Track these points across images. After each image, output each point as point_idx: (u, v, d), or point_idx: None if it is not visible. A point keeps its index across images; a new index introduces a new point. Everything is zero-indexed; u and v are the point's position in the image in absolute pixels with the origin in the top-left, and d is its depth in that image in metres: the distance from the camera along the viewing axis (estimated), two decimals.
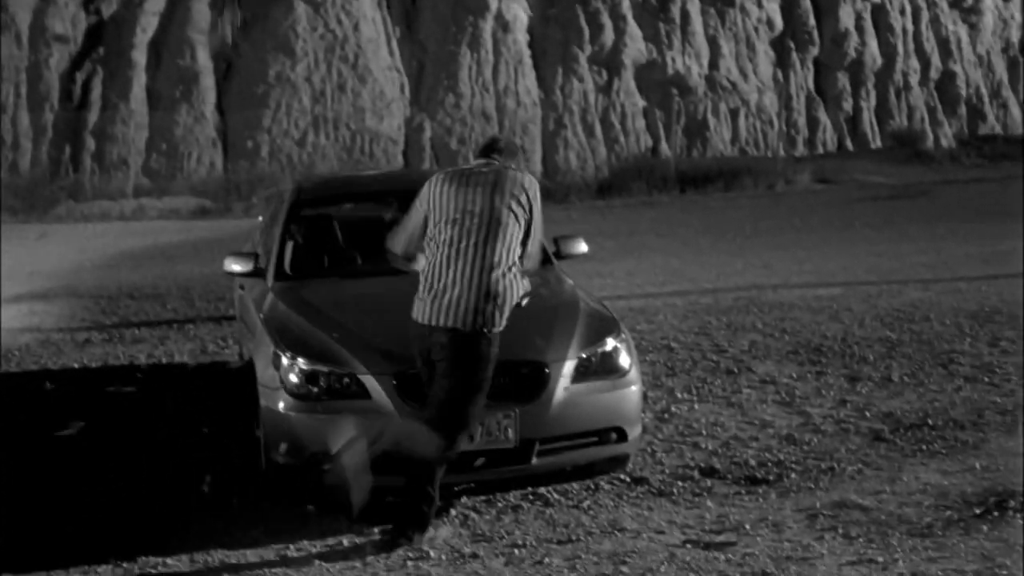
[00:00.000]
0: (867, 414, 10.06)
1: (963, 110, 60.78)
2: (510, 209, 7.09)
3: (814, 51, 57.22)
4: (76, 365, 13.15)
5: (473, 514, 7.74)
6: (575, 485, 8.21)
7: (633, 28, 51.84)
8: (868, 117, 57.81)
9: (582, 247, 10.10)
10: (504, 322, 7.12)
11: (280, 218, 10.25)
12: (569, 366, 7.85)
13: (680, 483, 8.32)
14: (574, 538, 7.21)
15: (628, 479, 8.39)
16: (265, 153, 45.21)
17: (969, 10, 62.31)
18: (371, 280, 9.52)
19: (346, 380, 7.71)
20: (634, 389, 8.16)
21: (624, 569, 6.63)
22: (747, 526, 7.30)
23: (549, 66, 50.43)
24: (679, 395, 10.88)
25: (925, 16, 60.45)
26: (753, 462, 8.78)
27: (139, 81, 45.36)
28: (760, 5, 55.54)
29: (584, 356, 7.98)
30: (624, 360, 8.17)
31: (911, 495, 7.84)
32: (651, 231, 27.86)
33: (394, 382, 7.60)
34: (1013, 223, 25.46)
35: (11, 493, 8.44)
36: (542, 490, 8.11)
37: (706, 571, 6.57)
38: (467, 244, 7.09)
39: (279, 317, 8.67)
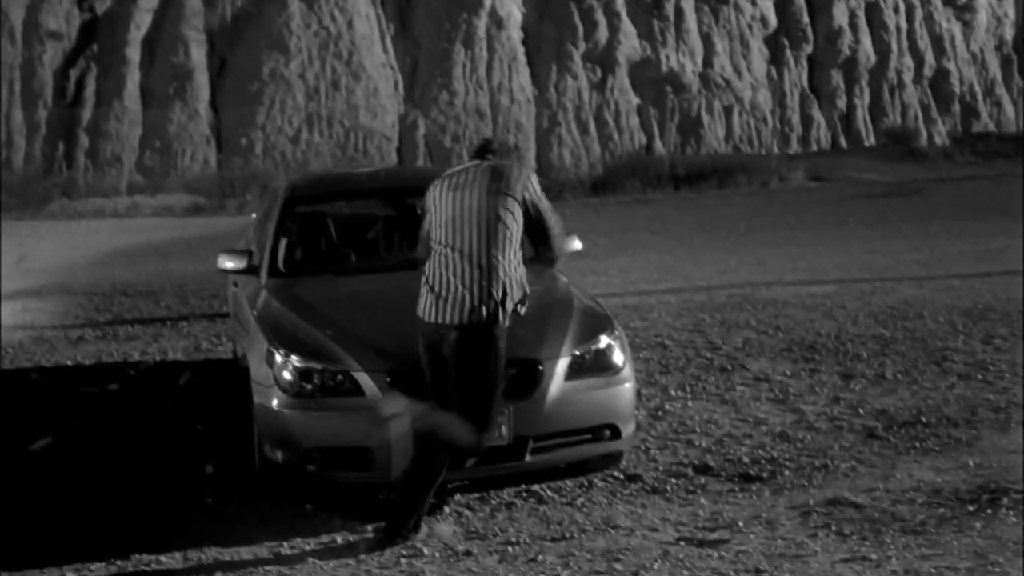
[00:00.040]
0: (861, 411, 10.06)
1: (957, 108, 60.88)
2: (503, 205, 7.10)
3: (808, 49, 57.31)
4: (69, 362, 13.13)
5: (467, 511, 7.74)
6: (569, 482, 8.21)
7: (627, 25, 51.89)
8: (862, 115, 57.90)
9: (576, 245, 10.08)
10: (508, 316, 7.13)
11: (274, 215, 10.24)
12: (563, 363, 7.84)
13: (674, 480, 8.32)
14: (568, 535, 7.20)
15: (622, 476, 8.38)
16: (259, 150, 45.23)
17: (963, 8, 62.41)
18: (365, 277, 9.52)
19: (340, 377, 7.70)
20: (628, 386, 8.16)
21: (617, 566, 6.63)
22: (740, 523, 7.30)
23: (543, 63, 50.46)
24: (673, 392, 10.88)
25: (919, 14, 60.55)
26: (747, 459, 8.78)
27: (133, 78, 45.37)
28: (754, 3, 55.61)
29: (578, 353, 7.97)
30: (618, 357, 8.17)
31: (904, 492, 7.84)
32: (645, 228, 27.87)
33: (388, 379, 7.59)
34: (1006, 220, 25.51)
35: (4, 492, 8.44)
36: (536, 487, 8.10)
37: (699, 568, 6.57)
38: (464, 243, 7.11)
39: (273, 314, 8.66)
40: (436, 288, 7.16)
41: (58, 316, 16.57)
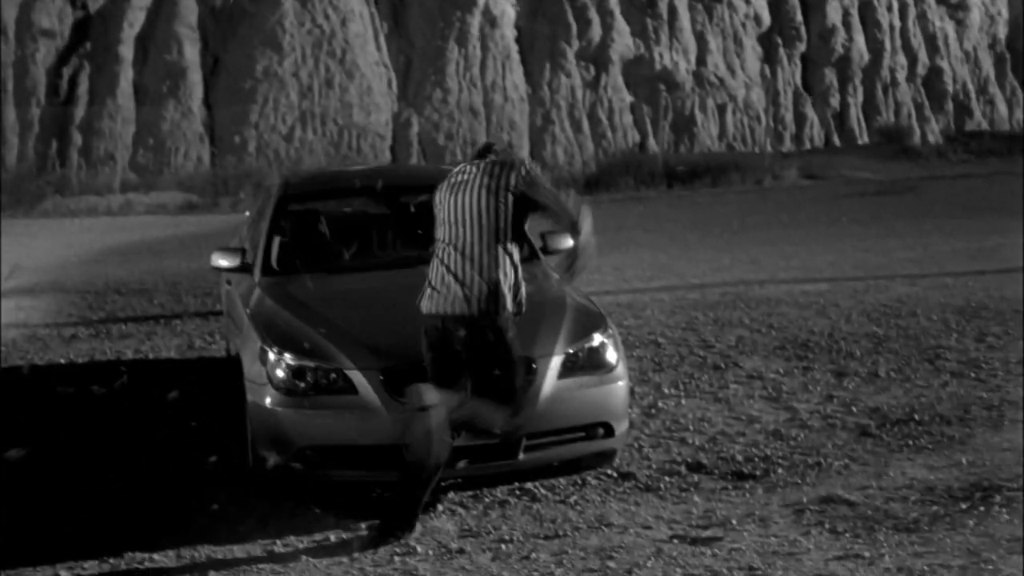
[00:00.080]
0: (854, 409, 10.07)
1: (950, 106, 60.91)
2: (499, 201, 7.13)
3: (801, 47, 57.32)
4: (63, 361, 13.12)
5: (460, 509, 7.74)
6: (562, 480, 8.21)
7: (621, 23, 51.88)
8: (855, 113, 57.92)
9: (569, 243, 10.10)
10: (513, 304, 7.16)
11: (267, 213, 10.24)
12: (556, 361, 7.85)
13: (667, 478, 8.33)
14: (561, 533, 7.21)
15: (615, 474, 8.39)
16: (252, 148, 45.19)
17: (956, 6, 62.44)
18: (358, 275, 9.53)
19: (333, 375, 7.71)
20: (621, 384, 8.16)
21: (611, 564, 6.64)
22: (734, 521, 7.31)
23: (537, 61, 50.45)
24: (666, 390, 10.89)
25: (912, 12, 60.58)
26: (740, 457, 8.79)
27: (126, 76, 45.31)
28: (747, 1, 55.64)
29: (571, 352, 7.98)
30: (611, 355, 8.17)
31: (897, 490, 7.85)
32: (638, 227, 27.87)
33: (381, 377, 7.60)
34: (1000, 219, 25.53)
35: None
36: (529, 485, 8.10)
37: (693, 566, 6.58)
38: (462, 240, 7.15)
39: (266, 312, 8.66)
40: (435, 283, 7.23)
41: (51, 314, 16.56)
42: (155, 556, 6.97)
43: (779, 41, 56.43)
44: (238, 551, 7.05)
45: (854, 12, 58.54)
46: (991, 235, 22.52)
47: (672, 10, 53.29)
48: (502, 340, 7.16)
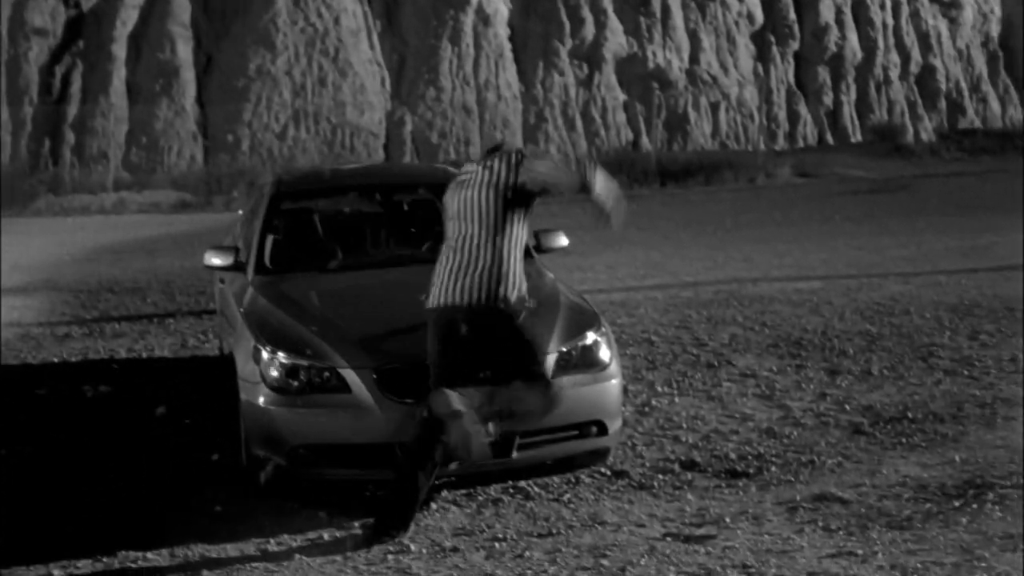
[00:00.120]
0: (847, 407, 10.08)
1: (943, 104, 60.95)
2: (497, 191, 7.16)
3: (794, 45, 57.34)
4: (56, 359, 13.11)
5: (454, 508, 7.74)
6: (556, 478, 8.21)
7: (614, 22, 51.89)
8: (848, 111, 57.95)
9: (562, 241, 10.11)
10: (517, 293, 7.17)
11: (260, 212, 10.23)
12: (549, 360, 7.84)
13: (660, 476, 8.33)
14: (555, 531, 7.21)
15: (608, 472, 8.39)
16: (245, 147, 45.16)
17: (949, 4, 62.47)
18: (351, 274, 9.53)
19: (326, 374, 7.70)
20: (614, 383, 8.16)
21: (604, 562, 6.64)
22: (727, 519, 7.31)
23: (530, 60, 50.45)
24: (660, 389, 10.89)
25: (905, 10, 60.62)
26: (733, 455, 8.79)
27: (119, 75, 45.28)
28: None
29: (564, 350, 7.97)
30: (604, 354, 8.17)
31: (891, 488, 7.86)
32: (632, 225, 27.81)
33: (374, 376, 7.59)
34: (993, 217, 25.57)
35: None
36: (523, 483, 8.10)
37: (686, 564, 6.58)
38: (466, 235, 7.18)
39: (259, 311, 8.65)
40: (442, 277, 7.28)
41: (44, 313, 16.54)
42: (148, 555, 6.97)
43: (772, 39, 56.45)
44: (231, 550, 7.05)
45: (847, 10, 58.56)
46: (984, 233, 22.55)
47: (665, 8, 53.30)
48: (511, 326, 7.18)
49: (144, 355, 13.25)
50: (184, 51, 45.74)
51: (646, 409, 10.18)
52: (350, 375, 7.64)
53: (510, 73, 49.85)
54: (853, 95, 58.32)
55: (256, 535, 7.25)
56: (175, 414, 10.26)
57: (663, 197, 37.52)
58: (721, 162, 44.29)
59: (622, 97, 51.56)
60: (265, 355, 7.87)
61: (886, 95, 59.09)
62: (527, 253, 8.98)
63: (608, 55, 51.40)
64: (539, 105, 49.77)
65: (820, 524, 7.17)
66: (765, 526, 7.19)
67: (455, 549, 6.95)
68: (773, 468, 8.44)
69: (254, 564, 6.80)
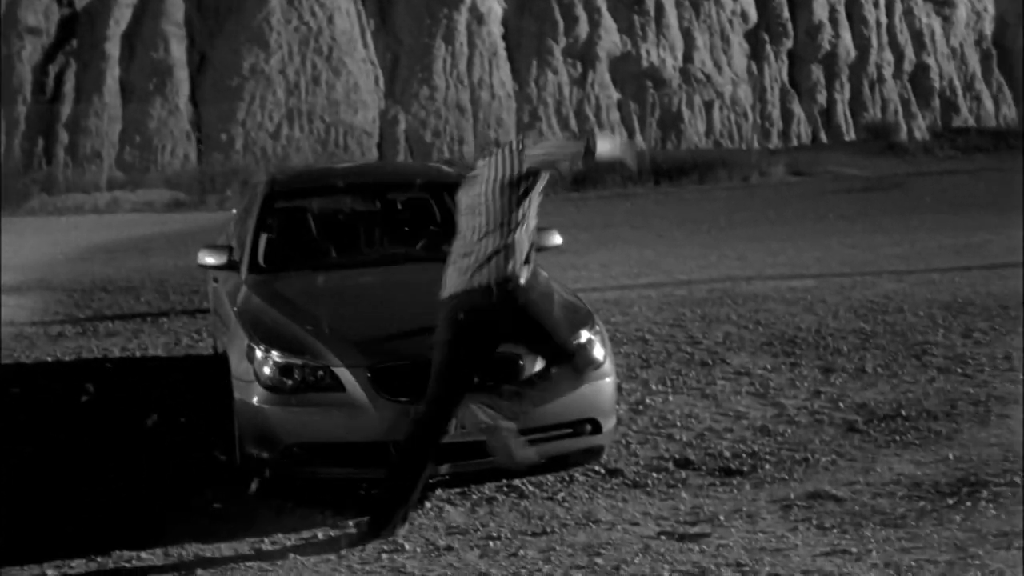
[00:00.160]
0: (841, 405, 10.08)
1: (936, 102, 61.04)
2: (502, 184, 7.15)
3: (788, 43, 57.41)
4: (49, 359, 13.09)
5: (448, 506, 7.73)
6: (550, 477, 8.21)
7: (607, 20, 51.91)
8: (842, 109, 58.02)
9: (556, 239, 10.10)
10: (527, 270, 7.17)
11: (254, 211, 10.22)
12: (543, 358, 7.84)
13: (654, 474, 8.33)
14: (549, 530, 7.20)
15: (603, 471, 8.39)
16: (239, 146, 45.14)
17: (942, 3, 62.54)
18: (345, 272, 9.52)
19: (320, 373, 7.69)
20: (608, 381, 8.15)
21: (599, 561, 6.64)
22: (721, 517, 7.31)
23: (523, 58, 50.46)
24: (654, 387, 10.89)
25: (899, 8, 60.69)
26: (727, 453, 8.79)
27: (112, 74, 45.25)
28: None
29: None
30: (598, 352, 8.16)
31: (885, 486, 7.86)
32: (626, 223, 27.88)
33: (368, 374, 7.59)
34: (986, 215, 25.59)
35: None
36: (517, 482, 8.10)
37: (680, 562, 6.58)
38: (474, 226, 7.17)
39: (253, 310, 8.64)
40: (454, 267, 7.24)
41: (38, 312, 16.52)
42: (142, 554, 6.96)
43: (766, 38, 56.51)
44: (225, 549, 7.04)
45: (841, 9, 58.65)
46: (978, 231, 22.56)
47: (659, 7, 53.32)
48: (522, 306, 7.17)
49: (138, 354, 13.24)
50: (178, 50, 45.72)
51: (640, 407, 10.18)
52: (344, 374, 7.63)
53: (504, 72, 49.87)
54: (847, 93, 58.39)
55: (250, 534, 7.24)
56: (169, 413, 10.25)
57: (657, 195, 37.53)
58: (715, 160, 44.33)
59: (616, 96, 51.59)
60: (259, 354, 7.86)
61: (880, 93, 59.17)
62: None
63: (602, 54, 51.43)
64: (533, 104, 49.79)
65: (814, 522, 7.17)
66: (759, 524, 7.19)
67: (449, 548, 6.94)
68: (767, 466, 8.44)
69: (248, 563, 6.80)
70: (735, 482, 8.11)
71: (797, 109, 56.39)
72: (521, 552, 6.81)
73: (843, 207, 30.11)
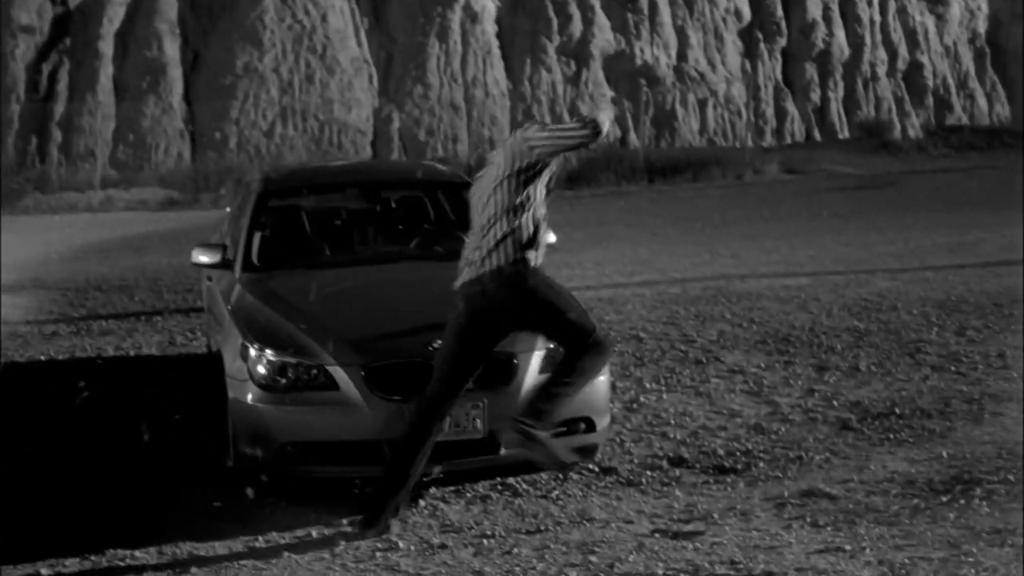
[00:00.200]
0: (835, 403, 10.09)
1: (930, 100, 61.07)
2: (508, 178, 7.14)
3: (782, 42, 57.42)
4: (43, 357, 13.08)
5: (442, 504, 7.74)
6: (544, 475, 8.21)
7: (601, 19, 51.91)
8: (836, 107, 58.04)
9: (550, 237, 10.09)
10: (535, 253, 7.16)
11: (248, 209, 10.21)
12: (537, 357, 7.84)
13: (649, 473, 8.33)
14: (543, 528, 7.21)
15: (597, 469, 8.39)
16: (233, 144, 45.11)
17: (936, 1, 62.58)
18: (339, 271, 9.51)
19: (314, 371, 7.70)
20: (602, 379, 8.15)
21: (593, 559, 6.64)
22: (715, 515, 7.32)
23: (517, 57, 50.46)
24: (648, 385, 10.90)
25: (892, 7, 60.72)
26: (721, 451, 8.80)
27: (106, 72, 45.20)
28: None
29: (552, 347, 7.96)
30: None
31: (878, 483, 7.87)
32: (620, 221, 27.89)
33: (362, 373, 7.59)
34: (980, 213, 25.62)
35: None
36: (511, 480, 8.11)
37: (674, 560, 6.58)
38: (486, 219, 7.17)
39: (247, 308, 8.64)
40: (466, 258, 7.25)
41: (32, 311, 16.50)
42: (136, 553, 6.95)
43: (759, 36, 56.52)
44: (219, 548, 7.04)
45: (834, 7, 58.66)
46: (971, 229, 22.58)
47: (653, 5, 53.33)
48: (531, 288, 7.15)
49: (132, 353, 13.23)
50: (171, 48, 45.68)
51: (634, 406, 10.19)
52: (338, 372, 7.63)
53: (498, 70, 49.87)
54: (840, 92, 58.42)
55: (244, 533, 7.24)
56: (163, 412, 10.24)
57: (651, 194, 37.55)
58: (709, 159, 44.35)
59: (610, 94, 51.56)
60: (253, 352, 7.86)
61: (873, 91, 59.20)
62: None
63: (596, 52, 51.43)
64: (527, 102, 49.79)
65: (808, 520, 7.18)
66: (753, 522, 7.20)
67: (443, 546, 6.95)
68: (761, 464, 8.45)
69: (243, 561, 6.80)
70: (729, 480, 8.12)
71: (791, 107, 56.41)
72: (515, 550, 6.82)
73: (837, 205, 30.13)
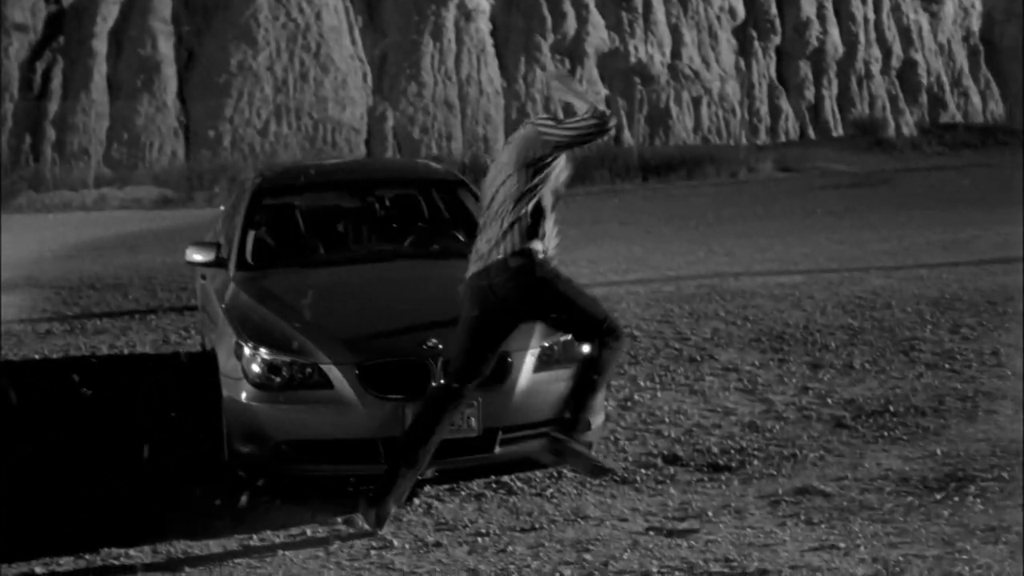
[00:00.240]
0: (829, 401, 10.10)
1: (924, 98, 61.07)
2: (519, 163, 7.13)
3: (776, 39, 57.38)
4: (37, 356, 13.07)
5: (436, 503, 7.74)
6: (538, 473, 8.22)
7: (595, 16, 51.88)
8: (830, 105, 58.02)
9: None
10: (542, 242, 7.14)
11: (242, 207, 10.21)
12: (531, 355, 7.84)
13: (643, 471, 8.34)
14: (537, 526, 7.21)
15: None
16: (227, 143, 45.06)
17: None
18: (333, 269, 9.51)
19: (309, 370, 7.70)
20: (596, 378, 8.16)
21: (587, 557, 6.65)
22: (710, 513, 7.33)
23: (512, 55, 50.43)
24: (642, 383, 10.90)
25: (886, 5, 60.71)
26: (716, 449, 8.81)
27: (100, 70, 45.13)
28: None
29: (546, 345, 7.97)
30: (586, 348, 8.16)
31: (873, 481, 7.88)
32: (614, 219, 27.88)
33: (356, 372, 7.59)
34: (974, 211, 25.62)
35: None
36: (505, 478, 8.11)
37: (669, 558, 6.59)
38: (494, 211, 7.15)
39: (241, 307, 8.64)
40: (476, 249, 7.26)
41: (25, 310, 16.48)
42: (131, 551, 6.95)
43: (754, 34, 56.49)
44: (214, 546, 7.04)
45: (828, 5, 58.64)
46: (965, 227, 22.59)
47: (647, 3, 53.30)
48: (539, 279, 7.15)
49: (126, 351, 13.22)
50: (165, 47, 45.60)
51: (628, 404, 10.19)
52: (332, 371, 7.63)
53: (492, 68, 49.82)
54: (835, 89, 58.39)
55: (238, 531, 7.24)
56: (158, 410, 10.24)
57: (645, 192, 37.53)
58: (703, 157, 44.29)
59: (604, 92, 51.51)
60: (247, 351, 7.87)
61: (868, 89, 59.19)
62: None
63: (590, 50, 51.40)
64: (521, 100, 49.74)
65: (802, 517, 7.19)
66: (747, 520, 7.21)
67: (438, 544, 6.95)
68: (755, 462, 8.46)
69: (237, 560, 6.80)
70: (723, 478, 8.13)
71: (785, 105, 56.36)
72: (510, 548, 6.82)
73: (831, 203, 30.12)
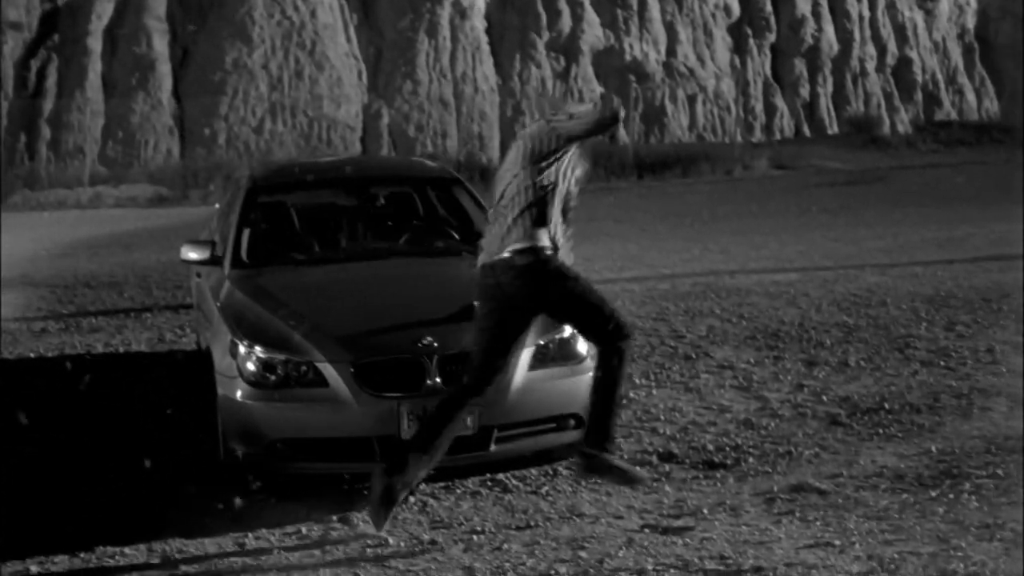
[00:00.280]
0: (824, 398, 10.10)
1: (919, 96, 61.17)
2: (530, 157, 7.12)
3: (771, 37, 57.46)
4: (32, 355, 13.06)
5: (432, 501, 7.73)
6: (533, 471, 8.22)
7: (591, 14, 51.92)
8: (825, 103, 58.10)
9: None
10: (550, 236, 7.14)
11: (237, 205, 10.19)
12: (527, 353, 7.83)
13: (638, 468, 8.33)
14: (533, 524, 7.21)
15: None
16: (222, 140, 45.06)
17: None
18: (328, 267, 9.50)
19: (303, 368, 7.69)
20: (590, 376, 8.15)
21: (583, 554, 6.64)
22: (705, 510, 7.32)
23: (507, 53, 50.45)
24: (637, 381, 10.89)
25: (881, 2, 60.80)
26: (711, 447, 8.81)
27: (95, 69, 45.14)
28: None
29: (542, 343, 7.96)
30: (582, 346, 8.16)
31: (868, 478, 7.88)
32: (609, 217, 27.89)
33: (352, 370, 7.58)
34: (969, 208, 25.64)
35: None
36: (501, 476, 8.10)
37: (664, 556, 6.59)
38: (505, 204, 7.13)
39: (236, 305, 8.63)
40: (486, 240, 7.23)
41: (20, 308, 16.47)
42: (126, 550, 6.94)
43: (749, 32, 56.55)
44: (209, 545, 7.03)
45: (823, 2, 58.74)
46: (960, 225, 22.61)
47: (642, 1, 53.34)
48: (549, 278, 7.12)
49: (121, 350, 13.21)
50: (160, 45, 45.62)
51: (624, 401, 10.18)
52: (327, 369, 7.62)
53: (487, 66, 49.85)
54: (830, 87, 58.49)
55: (234, 529, 7.23)
56: (153, 408, 10.23)
57: (640, 189, 37.55)
58: (698, 154, 44.37)
59: (599, 90, 51.57)
60: (242, 349, 7.86)
61: (862, 87, 59.28)
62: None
63: (585, 48, 51.44)
64: (516, 98, 49.77)
65: (797, 515, 7.19)
66: (743, 517, 7.21)
67: (433, 542, 6.94)
68: (751, 459, 8.46)
69: (233, 559, 6.79)
70: (719, 475, 8.13)
71: (780, 103, 56.46)
72: (505, 546, 6.82)
73: (826, 201, 30.15)
